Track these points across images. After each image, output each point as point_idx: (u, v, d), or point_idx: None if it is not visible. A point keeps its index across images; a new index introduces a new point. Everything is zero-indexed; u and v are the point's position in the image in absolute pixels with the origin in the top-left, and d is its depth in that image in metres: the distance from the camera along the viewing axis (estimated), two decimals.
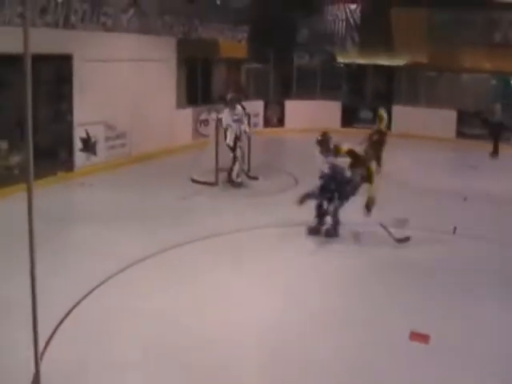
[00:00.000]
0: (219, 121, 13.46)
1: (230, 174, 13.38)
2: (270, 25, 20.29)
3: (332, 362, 6.13)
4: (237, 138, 13.33)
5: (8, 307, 6.97)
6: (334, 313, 7.26)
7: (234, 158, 13.32)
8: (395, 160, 14.66)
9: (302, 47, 22.66)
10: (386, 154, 13.03)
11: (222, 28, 19.26)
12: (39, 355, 4.98)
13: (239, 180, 13.39)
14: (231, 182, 13.34)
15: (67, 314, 6.95)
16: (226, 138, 13.32)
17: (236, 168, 13.38)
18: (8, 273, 7.86)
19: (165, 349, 6.28)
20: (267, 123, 21.70)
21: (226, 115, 13.46)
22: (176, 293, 7.66)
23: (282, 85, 22.50)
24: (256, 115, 20.07)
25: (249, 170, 14.30)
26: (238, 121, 13.36)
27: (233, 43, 19.76)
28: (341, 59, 22.37)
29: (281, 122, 21.97)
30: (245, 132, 13.48)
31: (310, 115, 20.60)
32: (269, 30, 20.38)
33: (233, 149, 13.28)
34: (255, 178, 13.69)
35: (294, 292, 7.88)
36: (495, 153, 17.81)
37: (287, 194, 12.31)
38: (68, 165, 13.30)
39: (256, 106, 20.39)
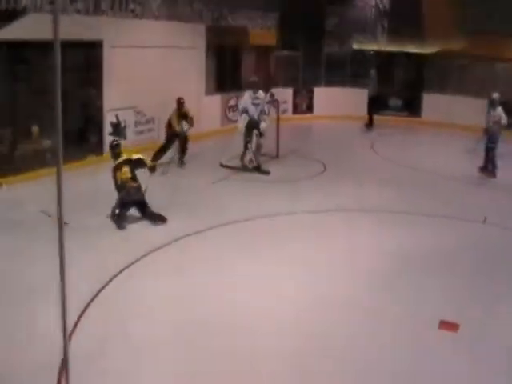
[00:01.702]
0: (234, 108, 13.55)
1: (242, 160, 13.46)
2: (299, 12, 20.18)
3: (369, 349, 6.09)
4: (252, 126, 13.32)
5: (40, 290, 7.07)
6: (368, 300, 7.19)
7: (246, 144, 13.35)
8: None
9: (332, 34, 22.50)
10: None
11: (252, 15, 19.23)
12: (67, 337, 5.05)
13: (251, 166, 13.41)
14: (244, 168, 13.40)
15: (95, 296, 7.07)
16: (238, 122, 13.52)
17: (249, 154, 13.40)
18: (39, 256, 7.95)
19: (193, 333, 6.31)
20: (296, 110, 21.67)
21: (245, 98, 13.48)
22: (206, 277, 7.70)
23: (311, 72, 22.38)
24: (285, 102, 20.08)
25: (277, 155, 14.34)
26: (258, 105, 13.33)
27: (262, 30, 19.72)
28: (364, 47, 22.15)
29: (310, 108, 21.90)
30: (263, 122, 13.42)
31: (339, 102, 20.51)
32: (298, 16, 20.28)
33: (245, 135, 13.31)
34: (266, 173, 13.32)
35: (330, 279, 7.82)
36: None
37: (315, 180, 12.33)
38: (98, 149, 13.48)
39: (285, 93, 20.38)
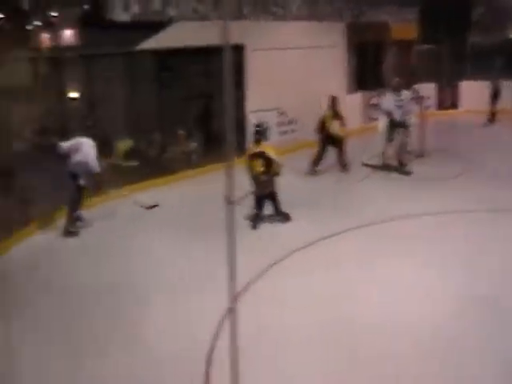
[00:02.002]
0: (376, 106, 13.21)
1: (383, 158, 13.17)
2: (441, 3, 19.47)
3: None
4: (395, 125, 12.96)
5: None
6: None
7: (388, 143, 13.03)
8: None
9: (478, 24, 21.48)
10: None
11: (391, 10, 18.80)
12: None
13: (392, 164, 13.05)
14: (385, 166, 13.07)
15: (245, 288, 7.24)
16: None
17: (390, 152, 13.05)
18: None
19: (338, 332, 6.32)
20: (440, 105, 20.89)
21: (388, 99, 13.15)
22: (350, 276, 7.67)
23: (455, 66, 21.50)
24: (428, 97, 19.41)
25: (422, 154, 13.92)
26: (401, 107, 12.96)
27: (403, 25, 19.23)
28: None
29: (454, 104, 21.05)
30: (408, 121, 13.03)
31: (486, 96, 19.52)
32: (440, 8, 19.56)
33: (387, 133, 12.98)
34: (407, 173, 12.87)
35: (471, 278, 7.54)
36: None
37: (462, 179, 11.84)
38: (240, 150, 13.72)
39: (428, 89, 19.71)
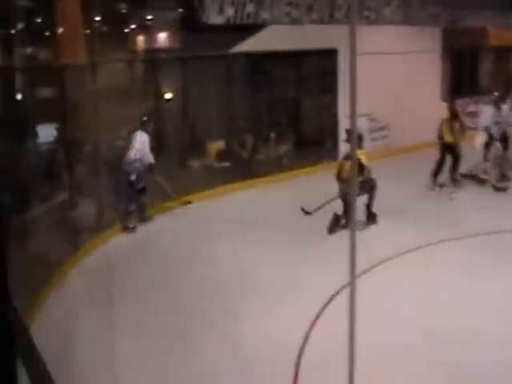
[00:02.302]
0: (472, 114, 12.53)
1: (478, 170, 12.56)
2: None
3: None
4: (492, 139, 12.34)
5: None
6: None
7: (484, 156, 12.40)
8: None
9: None
10: None
11: (489, 15, 18.13)
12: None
13: (485, 177, 12.37)
14: (479, 179, 12.42)
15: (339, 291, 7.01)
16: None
17: (484, 165, 12.42)
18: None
19: (433, 340, 6.05)
20: None
21: (486, 115, 12.54)
22: (445, 288, 7.32)
23: None
24: None
25: None
26: (500, 123, 12.33)
27: (502, 30, 18.51)
28: None
29: None
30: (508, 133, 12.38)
31: None
32: None
33: (484, 146, 12.35)
34: (501, 189, 12.07)
35: None
36: None
37: None
38: (333, 154, 13.55)
39: None
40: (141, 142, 9.98)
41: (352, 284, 1.74)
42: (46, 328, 6.06)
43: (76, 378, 5.24)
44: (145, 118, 10.27)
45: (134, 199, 10.03)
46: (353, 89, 1.54)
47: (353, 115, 1.46)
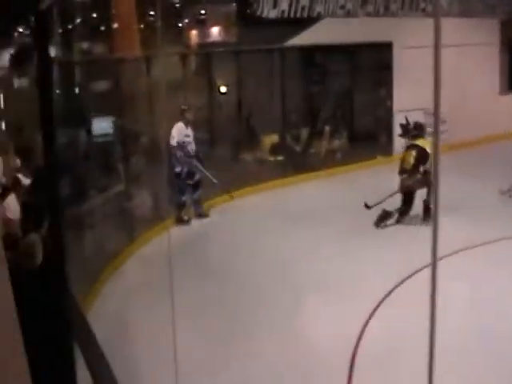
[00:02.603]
0: None
1: None
2: None
3: None
4: None
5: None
6: None
7: None
8: None
9: None
10: None
11: None
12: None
13: None
14: None
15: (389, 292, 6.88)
16: None
17: None
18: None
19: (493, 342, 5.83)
20: None
21: None
22: (500, 286, 7.05)
23: None
24: None
25: None
26: None
27: None
28: None
29: None
30: None
31: None
32: None
33: None
34: None
35: None
36: None
37: None
38: (387, 149, 13.36)
39: None
40: (179, 132, 9.86)
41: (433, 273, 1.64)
42: (101, 316, 6.13)
43: (131, 366, 5.27)
44: (183, 107, 10.14)
45: (185, 191, 9.99)
46: (437, 83, 1.45)
47: (436, 107, 1.37)
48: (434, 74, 1.74)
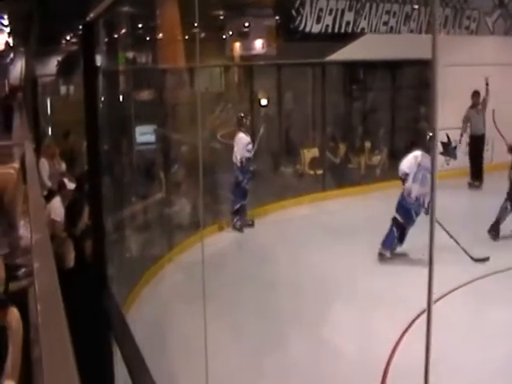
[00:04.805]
0: None
1: None
2: None
3: None
4: None
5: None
6: None
7: None
8: None
9: None
10: None
11: None
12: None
13: None
14: None
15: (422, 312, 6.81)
16: None
17: None
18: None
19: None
20: None
21: None
22: None
23: None
24: None
25: None
26: None
27: None
28: None
29: None
30: None
31: None
32: None
33: None
34: None
35: None
36: None
37: None
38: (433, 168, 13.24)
39: None
40: (238, 141, 10.03)
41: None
42: (139, 318, 6.22)
43: (166, 365, 5.34)
44: (241, 115, 10.29)
45: (246, 197, 10.15)
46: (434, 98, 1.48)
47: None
48: (431, 88, 1.77)
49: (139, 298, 7.31)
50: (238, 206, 10.07)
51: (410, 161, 8.84)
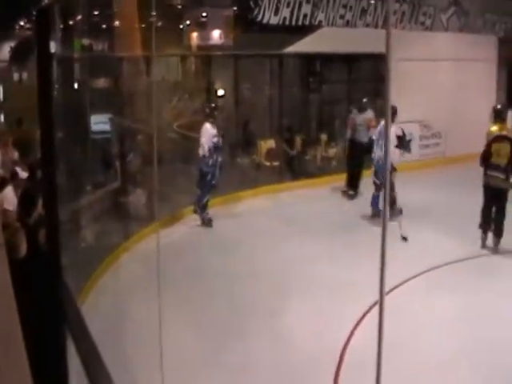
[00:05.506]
0: None
1: None
2: None
3: None
4: None
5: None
6: None
7: None
8: None
9: None
10: None
11: None
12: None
13: None
14: None
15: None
16: None
17: None
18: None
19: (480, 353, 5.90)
20: None
21: None
22: (485, 298, 7.13)
23: None
24: None
25: None
26: None
27: None
28: None
29: None
30: None
31: None
32: None
33: None
34: None
35: None
36: None
37: None
38: (386, 161, 13.39)
39: None
40: (210, 134, 9.78)
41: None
42: (94, 310, 6.15)
43: (122, 357, 5.29)
44: (211, 105, 10.15)
45: (210, 192, 9.98)
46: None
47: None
48: (385, 83, 1.79)
49: (96, 288, 7.24)
50: (205, 199, 9.90)
51: (378, 129, 10.34)
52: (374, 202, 10.12)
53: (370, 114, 11.72)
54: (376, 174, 10.12)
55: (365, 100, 11.90)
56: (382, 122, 9.92)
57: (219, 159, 9.90)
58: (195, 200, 9.94)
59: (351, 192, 11.40)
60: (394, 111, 9.46)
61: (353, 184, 11.46)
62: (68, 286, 3.80)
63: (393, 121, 9.44)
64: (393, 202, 9.84)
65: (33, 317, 3.52)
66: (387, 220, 1.68)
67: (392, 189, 9.82)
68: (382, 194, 9.96)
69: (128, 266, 7.90)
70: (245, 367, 5.68)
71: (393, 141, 10.11)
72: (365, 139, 11.40)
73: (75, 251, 6.79)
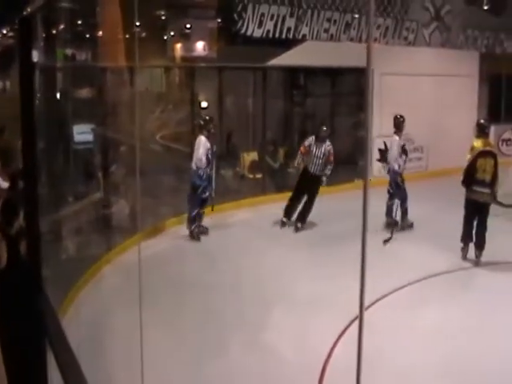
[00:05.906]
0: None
1: None
2: None
3: None
4: None
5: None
6: None
7: None
8: None
9: None
10: None
11: None
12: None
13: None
14: None
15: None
16: None
17: None
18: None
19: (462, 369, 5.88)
20: None
21: None
22: (465, 313, 7.16)
23: None
24: None
25: None
26: None
27: None
28: None
29: None
30: None
31: None
32: None
33: None
34: None
35: None
36: None
37: None
38: (365, 173, 13.40)
39: None
40: (198, 144, 9.74)
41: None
42: (75, 322, 6.08)
43: (102, 371, 5.23)
44: (207, 118, 10.06)
45: (195, 205, 9.85)
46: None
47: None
48: (364, 97, 1.81)
49: (77, 300, 7.15)
50: (194, 213, 9.79)
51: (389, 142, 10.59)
52: (389, 211, 10.21)
53: (329, 146, 10.93)
54: (390, 183, 10.32)
55: (324, 128, 11.02)
56: (395, 136, 10.35)
57: (212, 172, 9.88)
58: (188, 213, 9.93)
59: (284, 219, 10.61)
60: (401, 122, 10.23)
61: (288, 211, 10.66)
62: (49, 298, 3.75)
63: (400, 131, 10.23)
64: (404, 213, 9.93)
65: (13, 329, 3.48)
66: (366, 234, 1.68)
67: (404, 200, 9.91)
68: (396, 202, 10.10)
69: (110, 278, 7.85)
70: (226, 380, 5.65)
71: (396, 151, 10.35)
72: (318, 173, 10.71)
73: (56, 262, 6.71)
